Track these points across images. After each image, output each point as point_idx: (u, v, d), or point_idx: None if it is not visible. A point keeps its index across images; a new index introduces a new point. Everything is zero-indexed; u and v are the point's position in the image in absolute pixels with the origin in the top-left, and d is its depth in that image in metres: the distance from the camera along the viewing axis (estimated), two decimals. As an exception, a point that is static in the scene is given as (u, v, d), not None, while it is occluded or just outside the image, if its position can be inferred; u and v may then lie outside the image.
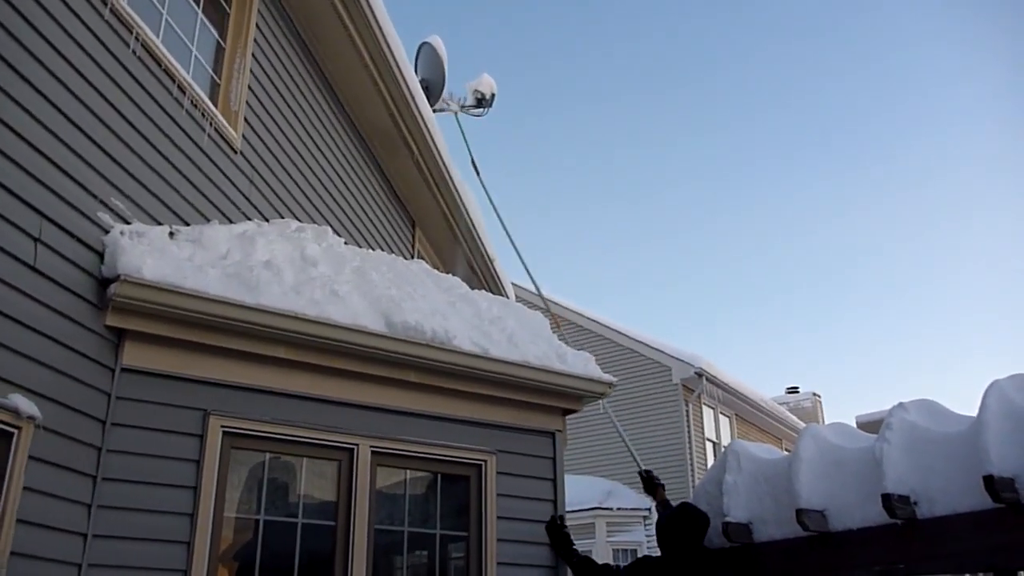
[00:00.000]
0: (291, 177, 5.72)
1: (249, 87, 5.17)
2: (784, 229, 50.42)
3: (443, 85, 8.67)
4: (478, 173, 8.09)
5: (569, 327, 16.65)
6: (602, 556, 14.57)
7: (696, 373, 17.60)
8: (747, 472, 4.43)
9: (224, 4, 5.19)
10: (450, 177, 7.95)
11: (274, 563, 4.06)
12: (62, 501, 3.33)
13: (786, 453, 4.52)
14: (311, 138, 6.10)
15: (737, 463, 4.49)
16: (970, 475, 3.33)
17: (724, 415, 19.28)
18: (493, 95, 9.06)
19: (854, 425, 5.01)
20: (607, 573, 4.56)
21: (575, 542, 4.78)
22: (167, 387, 3.83)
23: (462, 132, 8.41)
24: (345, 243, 5.32)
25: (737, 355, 55.23)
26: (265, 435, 4.05)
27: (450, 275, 5.93)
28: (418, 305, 4.63)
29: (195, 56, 4.83)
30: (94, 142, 3.68)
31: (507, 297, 9.18)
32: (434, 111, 7.99)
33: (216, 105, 4.88)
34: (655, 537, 4.52)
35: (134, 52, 4.02)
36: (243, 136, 5.05)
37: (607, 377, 5.21)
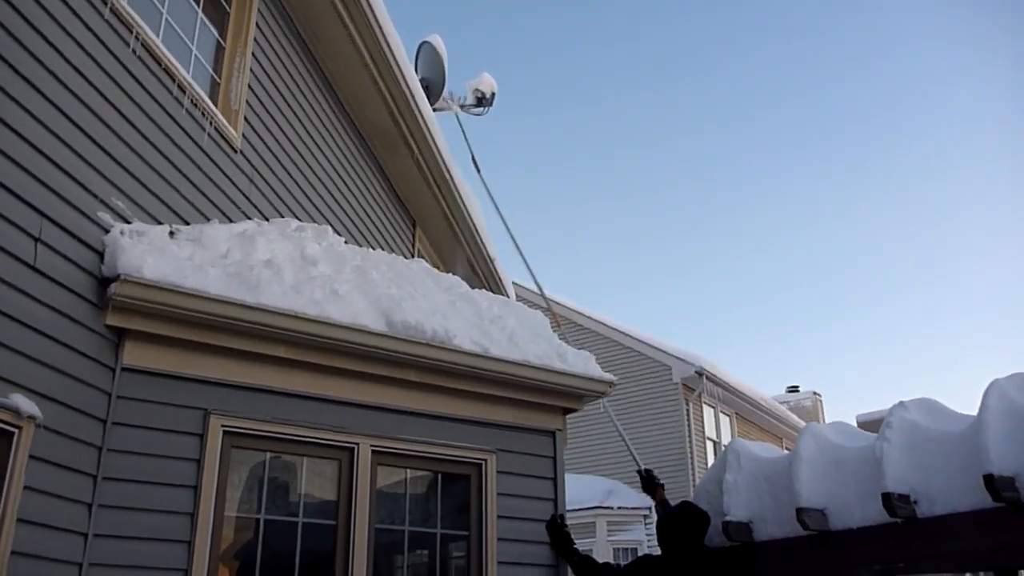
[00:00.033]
0: (291, 176, 5.72)
1: (249, 86, 5.17)
2: (784, 228, 50.45)
3: (443, 84, 8.66)
4: (479, 171, 8.09)
5: (569, 326, 16.66)
6: (603, 555, 14.57)
7: (696, 372, 17.60)
8: (747, 471, 4.43)
9: (224, 3, 5.19)
10: (450, 176, 7.95)
11: (275, 562, 4.06)
12: (63, 500, 3.34)
13: (786, 452, 4.52)
14: (311, 137, 6.10)
15: (737, 462, 4.49)
16: (970, 474, 3.33)
17: (724, 414, 19.27)
18: (493, 94, 9.05)
19: (854, 424, 5.02)
20: (607, 572, 4.57)
21: (575, 541, 4.78)
22: (167, 386, 3.83)
23: (463, 131, 8.41)
24: (345, 242, 5.32)
25: (738, 354, 55.28)
26: (265, 434, 4.05)
27: (450, 274, 5.93)
28: (418, 304, 4.63)
29: (195, 55, 4.83)
30: (94, 141, 3.68)
31: (507, 296, 9.18)
32: (434, 110, 7.99)
33: (216, 104, 4.88)
34: (655, 536, 4.52)
35: (134, 51, 4.02)
36: (243, 135, 5.05)
37: (607, 376, 5.21)
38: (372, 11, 6.04)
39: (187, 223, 4.35)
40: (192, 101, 4.48)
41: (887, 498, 3.55)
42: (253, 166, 5.18)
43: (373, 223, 7.19)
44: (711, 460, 17.50)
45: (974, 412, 3.50)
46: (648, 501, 5.32)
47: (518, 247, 7.51)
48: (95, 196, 3.66)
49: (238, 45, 5.19)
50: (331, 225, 5.79)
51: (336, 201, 6.42)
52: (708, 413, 18.57)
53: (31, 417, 3.11)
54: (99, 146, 3.71)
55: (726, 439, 18.46)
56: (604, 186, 53.19)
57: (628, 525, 16.20)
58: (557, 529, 4.74)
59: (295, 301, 4.09)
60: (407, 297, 4.65)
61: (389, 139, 7.30)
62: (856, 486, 3.83)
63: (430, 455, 4.54)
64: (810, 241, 49.47)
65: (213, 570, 3.73)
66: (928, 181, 48.36)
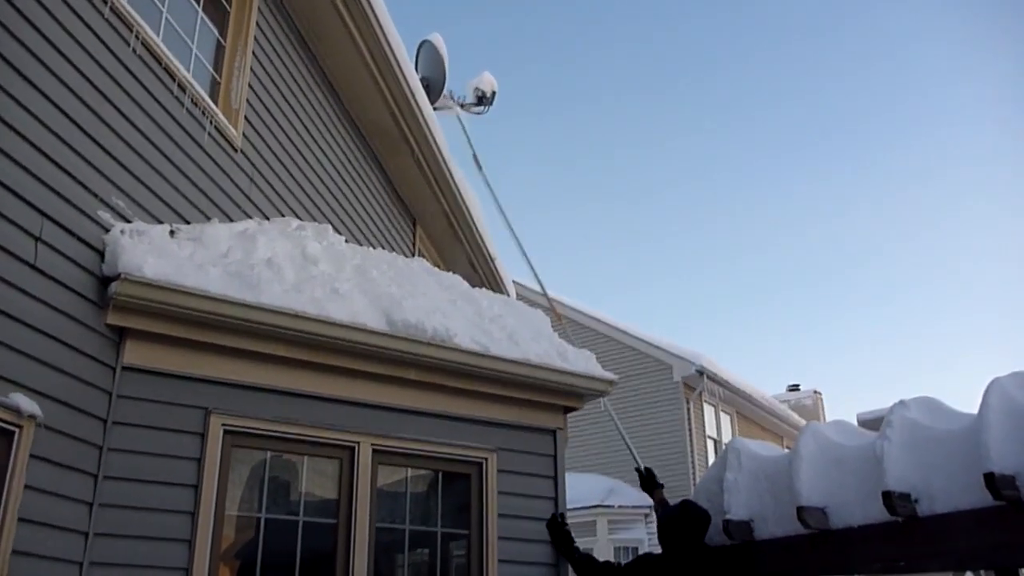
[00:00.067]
0: (292, 175, 5.72)
1: (250, 85, 5.17)
2: (784, 228, 50.44)
3: (444, 83, 8.66)
4: (481, 169, 8.08)
5: (570, 325, 16.65)
6: (603, 554, 14.57)
7: (697, 371, 17.59)
8: (748, 470, 4.43)
9: (224, 2, 5.18)
10: (451, 175, 7.95)
11: (275, 561, 4.06)
12: (63, 499, 3.34)
13: (787, 451, 4.52)
14: (312, 136, 6.10)
15: (738, 461, 4.49)
16: (971, 472, 3.32)
17: (725, 413, 19.27)
18: (494, 93, 9.05)
19: (855, 423, 5.01)
20: (608, 571, 4.57)
21: (576, 540, 4.78)
22: (168, 385, 3.84)
23: (464, 129, 8.40)
24: (346, 241, 5.32)
25: (738, 353, 55.29)
26: (266, 433, 4.05)
27: (451, 273, 5.93)
28: (419, 303, 4.63)
29: (195, 54, 4.83)
30: (94, 141, 3.68)
31: (508, 295, 9.19)
32: (435, 109, 7.98)
33: (217, 103, 4.88)
34: (656, 535, 4.52)
35: (134, 51, 4.02)
36: (244, 134, 5.05)
37: (608, 375, 5.21)
38: (372, 10, 6.04)
39: (188, 222, 4.35)
40: (192, 100, 4.48)
41: (888, 497, 3.55)
42: (253, 165, 5.18)
43: (373, 222, 7.19)
44: (711, 459, 17.50)
45: (975, 411, 3.50)
46: (649, 500, 5.31)
47: (519, 244, 7.50)
48: (95, 195, 3.66)
49: (238, 44, 5.19)
50: (331, 224, 5.79)
51: (336, 200, 6.42)
52: (709, 412, 18.57)
53: (32, 416, 3.12)
54: (99, 145, 3.71)
55: (727, 438, 18.46)
56: (604, 185, 53.21)
57: (629, 524, 16.20)
58: (558, 528, 4.75)
59: (296, 300, 4.09)
60: (407, 296, 4.65)
61: (389, 138, 7.30)
62: (857, 485, 3.83)
63: (431, 454, 4.54)
64: (810, 240, 49.50)
65: (214, 569, 3.73)
66: (928, 181, 48.39)
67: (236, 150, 4.96)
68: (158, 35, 4.30)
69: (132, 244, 3.68)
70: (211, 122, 4.66)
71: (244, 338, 4.00)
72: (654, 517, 13.95)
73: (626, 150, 49.65)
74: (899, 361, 53.52)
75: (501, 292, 9.25)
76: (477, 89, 8.98)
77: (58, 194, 3.42)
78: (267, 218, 5.16)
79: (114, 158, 3.81)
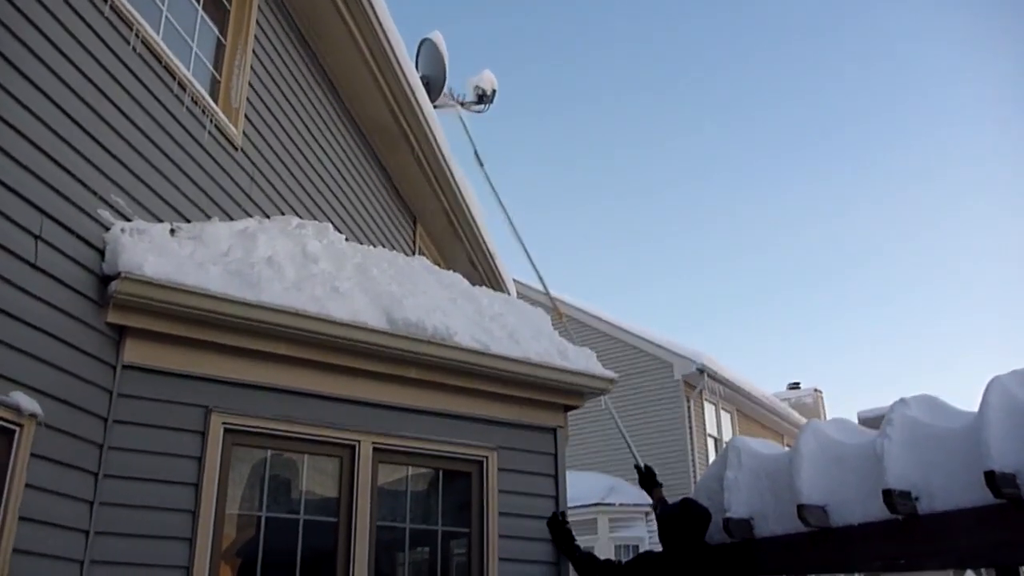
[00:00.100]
0: (292, 174, 5.72)
1: (250, 84, 5.17)
2: (785, 227, 50.44)
3: (444, 81, 8.65)
4: (482, 166, 8.07)
5: (571, 323, 16.64)
6: (604, 552, 14.58)
7: (698, 369, 17.59)
8: (748, 468, 4.42)
9: (224, 1, 5.18)
10: (451, 173, 7.95)
11: (276, 560, 4.06)
12: (64, 498, 3.34)
13: (787, 449, 4.52)
14: (312, 135, 6.10)
15: (738, 459, 4.49)
16: (971, 471, 3.32)
17: (725, 411, 19.27)
18: (494, 91, 9.04)
19: (856, 421, 5.01)
20: (609, 569, 4.57)
21: (577, 538, 4.78)
22: (168, 384, 3.84)
23: (465, 127, 8.39)
24: (346, 240, 5.32)
25: (739, 351, 55.31)
26: (266, 432, 4.05)
27: (451, 271, 5.93)
28: (419, 301, 4.63)
29: (195, 53, 4.83)
30: (94, 139, 3.68)
31: (508, 293, 9.19)
32: (435, 107, 7.98)
33: (217, 102, 4.88)
34: (657, 533, 4.53)
35: (134, 49, 4.02)
36: (244, 133, 5.05)
37: (608, 373, 5.21)
38: (373, 8, 6.04)
39: (188, 221, 4.35)
40: (193, 99, 4.48)
41: (888, 495, 3.55)
42: (254, 164, 5.18)
43: (374, 220, 7.19)
44: (712, 457, 17.50)
45: (975, 409, 3.50)
46: (650, 498, 5.32)
47: (521, 241, 7.50)
48: (95, 194, 3.66)
49: (239, 43, 5.19)
50: (332, 222, 5.79)
51: (337, 198, 6.42)
52: (709, 410, 18.57)
53: (32, 415, 3.12)
54: (100, 144, 3.71)
55: (727, 436, 18.47)
56: (605, 185, 53.26)
57: (629, 522, 16.20)
58: (558, 526, 4.75)
59: (296, 298, 4.09)
60: (408, 294, 4.65)
61: (390, 136, 7.29)
62: (857, 483, 3.83)
63: (431, 452, 4.54)
64: (811, 240, 49.51)
65: (214, 567, 3.73)
66: (928, 181, 48.40)
67: (236, 148, 4.95)
68: (158, 34, 4.30)
69: (132, 242, 3.68)
70: (211, 120, 4.65)
71: (244, 336, 4.00)
72: (654, 516, 13.95)
73: (626, 150, 49.69)
74: (899, 360, 53.57)
75: (501, 290, 9.25)
76: (477, 87, 8.97)
77: (58, 192, 3.42)
78: (267, 216, 5.16)
79: (114, 156, 3.81)
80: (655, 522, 4.63)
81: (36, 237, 3.28)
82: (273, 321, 4.00)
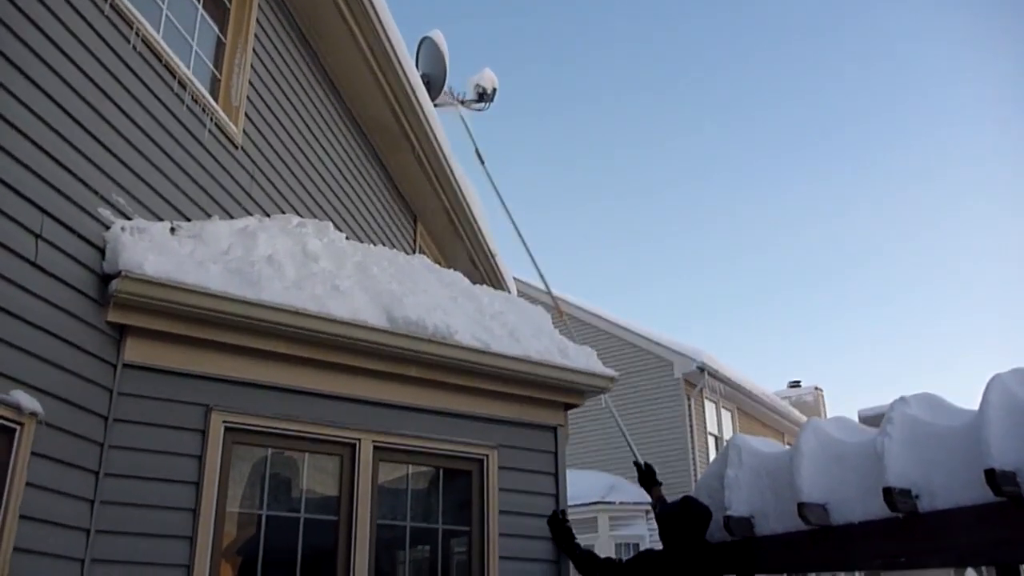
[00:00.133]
0: (292, 172, 5.71)
1: (250, 82, 5.17)
2: (785, 226, 50.44)
3: (444, 80, 8.66)
4: (483, 164, 8.07)
5: (571, 322, 16.63)
6: (604, 550, 14.58)
7: (698, 368, 17.59)
8: (748, 466, 4.43)
9: (224, 0, 5.19)
10: (451, 172, 7.95)
11: (277, 558, 4.06)
12: (65, 497, 3.34)
13: (788, 447, 4.52)
14: (312, 133, 6.10)
15: (739, 457, 4.49)
16: (971, 469, 3.32)
17: (726, 409, 19.27)
18: (494, 89, 9.04)
19: (856, 419, 5.01)
20: (609, 567, 4.57)
21: (577, 536, 4.78)
22: (169, 383, 3.84)
23: (466, 126, 8.39)
24: (346, 238, 5.32)
25: (739, 349, 55.30)
26: (267, 430, 4.06)
27: (451, 270, 5.93)
28: (419, 300, 4.63)
29: (196, 51, 4.83)
30: (95, 138, 3.68)
31: (509, 292, 9.18)
32: (435, 106, 7.98)
33: (217, 100, 4.88)
34: (657, 531, 4.53)
35: (135, 48, 4.01)
36: (244, 131, 5.05)
37: (609, 371, 5.21)
38: (373, 7, 6.03)
39: (188, 219, 4.35)
40: (193, 97, 4.48)
41: (888, 493, 3.55)
42: (254, 162, 5.17)
43: (374, 219, 7.19)
44: (712, 455, 17.50)
45: (975, 407, 3.50)
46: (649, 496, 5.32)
47: (522, 238, 7.50)
48: (96, 193, 3.66)
49: (239, 41, 5.18)
50: (332, 221, 5.79)
51: (337, 197, 6.42)
52: (710, 408, 18.57)
53: (32, 413, 3.12)
54: (100, 143, 3.71)
55: (727, 434, 18.47)
56: (605, 185, 53.26)
57: (630, 520, 16.21)
58: (559, 524, 4.75)
59: (296, 297, 4.09)
60: (408, 293, 4.65)
61: (390, 135, 7.29)
62: (857, 481, 3.83)
63: (431, 451, 4.54)
64: (811, 240, 49.53)
65: (215, 566, 3.74)
66: (928, 181, 48.41)
67: (236, 147, 4.95)
68: (158, 32, 4.30)
69: (133, 241, 3.68)
70: (211, 119, 4.65)
71: (245, 335, 4.00)
72: (653, 514, 13.96)
73: (626, 149, 49.70)
74: (900, 359, 53.59)
75: (502, 289, 9.24)
76: (478, 86, 8.97)
77: (59, 191, 3.42)
78: (268, 215, 5.16)
79: (115, 155, 3.81)
80: (655, 520, 4.63)
81: (37, 236, 3.28)
82: (273, 320, 4.00)
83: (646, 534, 15.76)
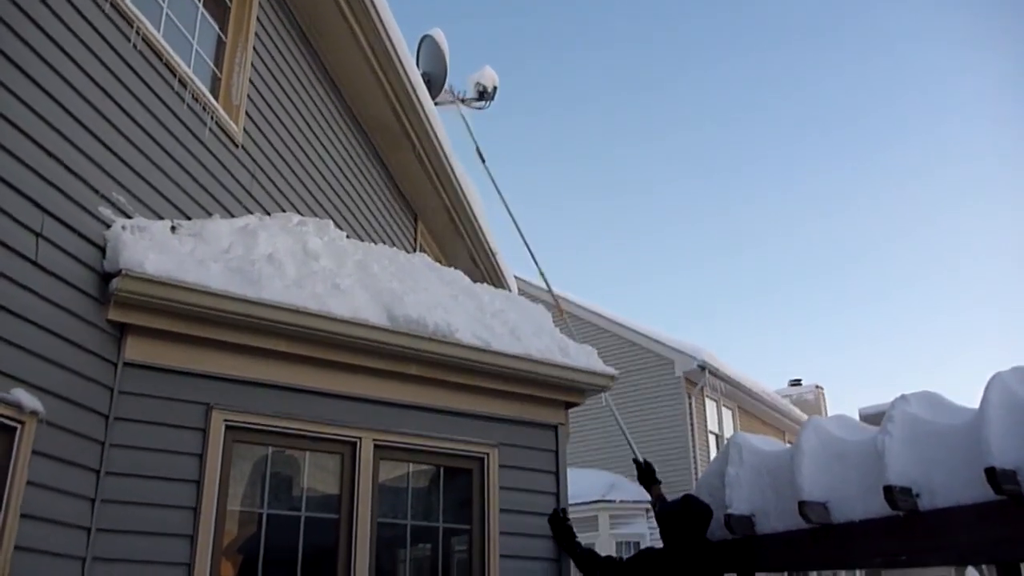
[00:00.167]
0: (293, 171, 5.71)
1: (250, 81, 5.17)
2: (786, 222, 50.45)
3: (445, 78, 8.65)
4: (484, 162, 8.07)
5: (571, 320, 16.64)
6: (605, 549, 14.59)
7: (699, 366, 17.59)
8: (749, 465, 4.43)
9: (225, -2, 5.18)
10: (452, 170, 7.94)
11: (277, 556, 4.07)
12: (65, 495, 3.34)
13: (788, 446, 4.52)
14: (312, 132, 6.09)
15: (739, 455, 4.49)
16: (972, 467, 3.32)
17: (727, 408, 19.27)
18: (495, 88, 9.04)
19: (857, 417, 5.01)
20: (610, 565, 4.57)
21: (578, 535, 4.78)
22: (169, 381, 3.84)
23: (466, 124, 8.39)
24: (347, 236, 5.33)
25: (740, 348, 55.30)
26: (268, 429, 4.06)
27: (452, 268, 5.93)
28: (420, 298, 4.63)
29: (196, 50, 4.82)
30: (95, 137, 3.68)
31: (509, 290, 9.18)
32: (436, 104, 7.98)
33: (217, 99, 4.88)
34: (658, 530, 4.53)
35: (135, 46, 4.01)
36: (244, 130, 5.05)
37: (609, 370, 5.21)
38: (374, 5, 6.03)
39: (189, 218, 4.35)
40: (193, 96, 4.48)
41: (889, 491, 3.55)
42: (254, 161, 5.17)
43: (375, 217, 7.19)
44: (713, 454, 17.51)
45: (976, 406, 3.50)
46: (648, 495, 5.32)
47: (522, 236, 7.50)
48: (96, 191, 3.66)
49: (239, 40, 5.18)
50: (333, 219, 5.79)
51: (338, 195, 6.42)
52: (710, 407, 18.57)
53: (33, 412, 3.12)
54: (100, 141, 3.71)
55: (728, 433, 18.46)
56: (604, 182, 53.26)
57: (630, 519, 16.21)
58: (559, 523, 4.75)
59: (297, 296, 4.09)
60: (409, 291, 4.65)
61: (391, 133, 7.29)
62: (858, 479, 3.83)
63: (432, 449, 4.54)
64: (810, 236, 49.55)
65: (216, 564, 3.74)
66: (927, 177, 48.39)
67: (237, 146, 4.95)
68: (159, 31, 4.30)
69: (133, 240, 3.68)
70: (212, 118, 4.65)
71: (245, 334, 4.00)
72: (653, 513, 13.96)
73: (626, 147, 49.71)
74: (900, 357, 53.59)
75: (502, 287, 9.24)
76: (478, 84, 8.97)
77: (59, 190, 3.42)
78: (268, 213, 5.16)
79: (115, 154, 3.81)
80: (655, 519, 4.63)
81: (37, 235, 3.28)
82: (274, 318, 4.00)
83: (647, 532, 15.76)
